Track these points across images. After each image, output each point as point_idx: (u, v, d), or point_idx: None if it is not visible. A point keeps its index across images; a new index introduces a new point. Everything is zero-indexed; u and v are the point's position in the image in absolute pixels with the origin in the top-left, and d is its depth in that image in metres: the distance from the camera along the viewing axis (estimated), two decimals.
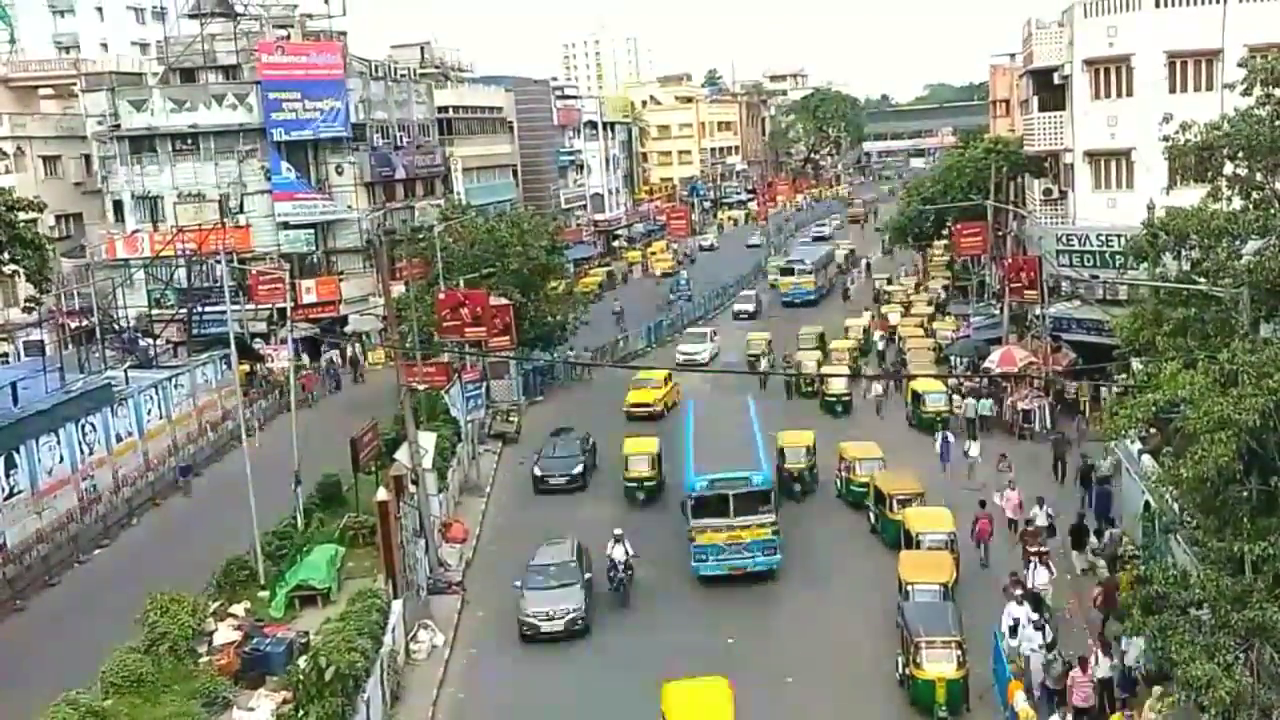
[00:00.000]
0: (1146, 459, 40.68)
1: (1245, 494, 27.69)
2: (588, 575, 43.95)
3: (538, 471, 59.02)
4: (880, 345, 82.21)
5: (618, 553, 44.38)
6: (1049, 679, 34.52)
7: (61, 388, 56.47)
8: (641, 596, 44.23)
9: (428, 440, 50.55)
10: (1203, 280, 39.39)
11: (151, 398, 61.78)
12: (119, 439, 57.38)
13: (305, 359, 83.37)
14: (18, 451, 48.90)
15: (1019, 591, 38.13)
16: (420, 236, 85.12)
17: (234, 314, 57.82)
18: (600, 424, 66.30)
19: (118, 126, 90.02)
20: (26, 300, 62.22)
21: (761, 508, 44.90)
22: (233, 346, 51.95)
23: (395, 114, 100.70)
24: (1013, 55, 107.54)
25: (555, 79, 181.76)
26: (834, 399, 68.97)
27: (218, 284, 73.60)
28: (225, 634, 40.05)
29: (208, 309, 79.45)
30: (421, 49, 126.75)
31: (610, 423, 66.36)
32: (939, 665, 34.03)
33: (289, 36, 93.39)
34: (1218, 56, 61.19)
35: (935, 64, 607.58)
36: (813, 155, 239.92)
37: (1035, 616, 36.22)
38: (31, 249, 52.75)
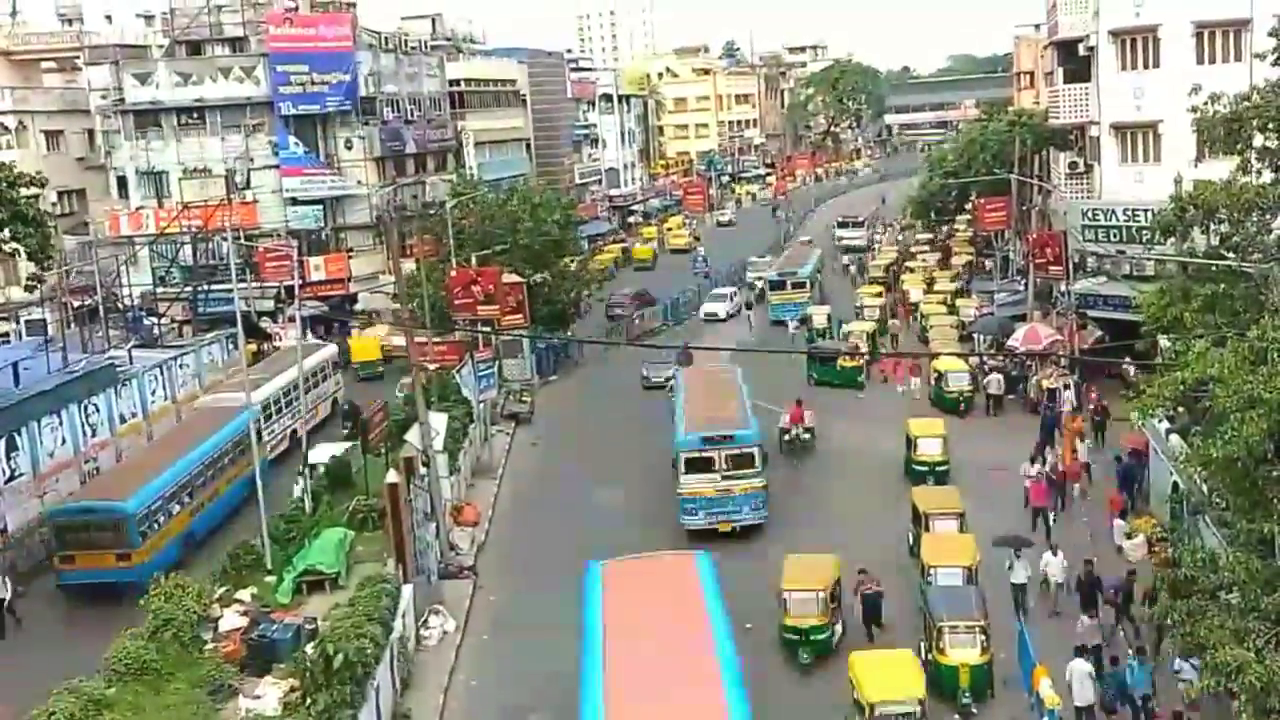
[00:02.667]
0: (1175, 439, 39.99)
1: (1276, 474, 27.03)
2: None
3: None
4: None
5: None
6: None
7: (64, 368, 55.84)
8: None
9: (439, 421, 50.18)
10: (1231, 255, 39.08)
11: (156, 378, 61.10)
12: (122, 420, 56.70)
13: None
14: (19, 433, 48.27)
15: None
16: (431, 212, 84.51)
17: (240, 292, 56.91)
18: (615, 407, 65.90)
19: (122, 100, 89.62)
20: (28, 279, 61.56)
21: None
22: (239, 325, 51.16)
23: (406, 87, 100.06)
24: (1037, 26, 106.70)
25: (569, 51, 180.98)
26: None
27: (224, 261, 73.19)
28: (231, 620, 39.79)
29: (213, 287, 79.40)
30: (433, 21, 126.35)
31: (622, 403, 65.74)
32: (963, 650, 33.36)
33: (297, 8, 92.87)
34: (1246, 26, 60.17)
35: (958, 35, 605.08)
36: (833, 129, 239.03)
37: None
38: (33, 226, 52.06)
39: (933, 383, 63.73)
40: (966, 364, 63.34)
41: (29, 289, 65.92)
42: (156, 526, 45.89)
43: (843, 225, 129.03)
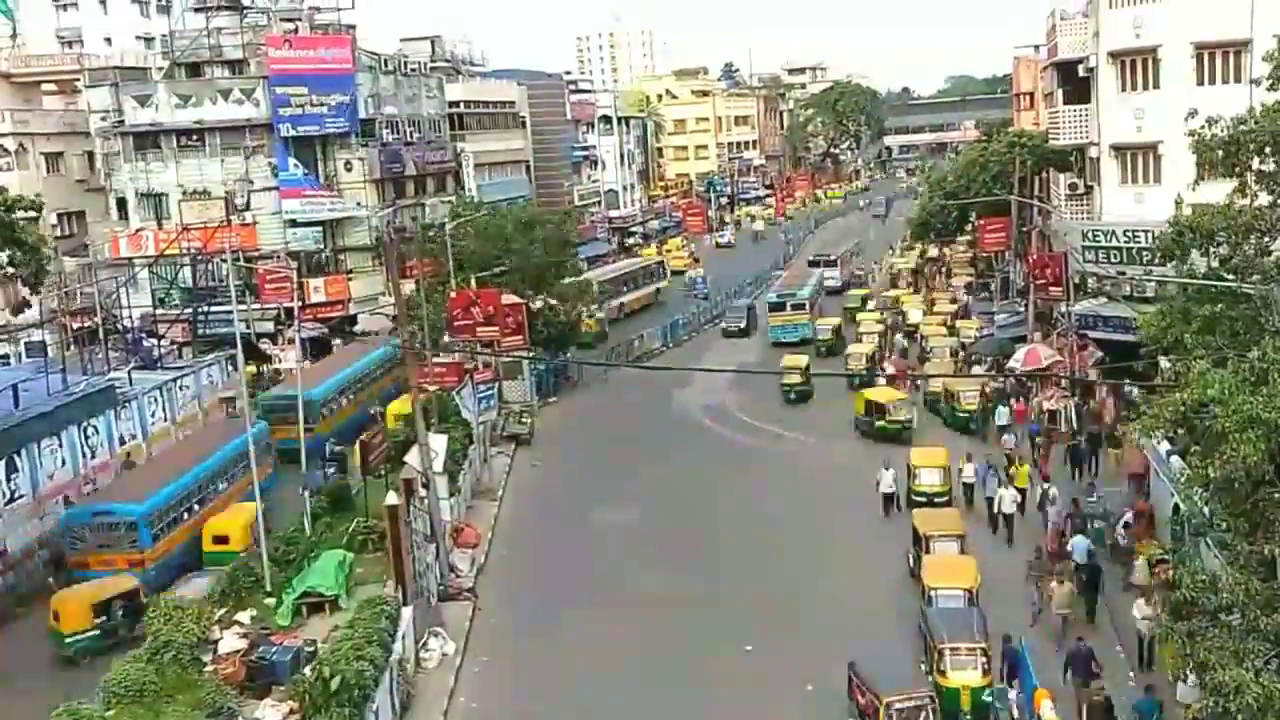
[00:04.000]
0: (1175, 460, 39.95)
1: (1276, 495, 26.88)
2: None
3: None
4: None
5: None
6: None
7: (64, 389, 55.62)
8: (657, 605, 43.29)
9: (438, 443, 49.98)
10: (1231, 277, 38.89)
11: (156, 399, 61.05)
12: (122, 441, 56.67)
13: None
14: (19, 455, 48.20)
15: None
16: (431, 234, 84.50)
17: (240, 314, 57.00)
18: (615, 428, 65.95)
19: (121, 122, 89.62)
20: (18, 301, 61.51)
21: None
22: (239, 347, 51.18)
23: (405, 109, 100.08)
24: (1037, 47, 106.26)
25: (569, 73, 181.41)
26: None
27: (223, 283, 73.11)
28: (231, 642, 39.44)
29: (213, 309, 79.14)
30: (432, 42, 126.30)
31: (622, 425, 65.75)
32: (964, 672, 33.34)
33: (296, 30, 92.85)
34: (1246, 48, 59.99)
35: (957, 56, 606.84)
36: (832, 150, 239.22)
37: None
38: (29, 252, 51.98)
39: (944, 401, 63.66)
40: (978, 383, 63.34)
41: (17, 312, 65.83)
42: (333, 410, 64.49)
43: (814, 264, 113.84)
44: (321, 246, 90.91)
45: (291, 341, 74.09)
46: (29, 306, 64.59)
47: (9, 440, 47.97)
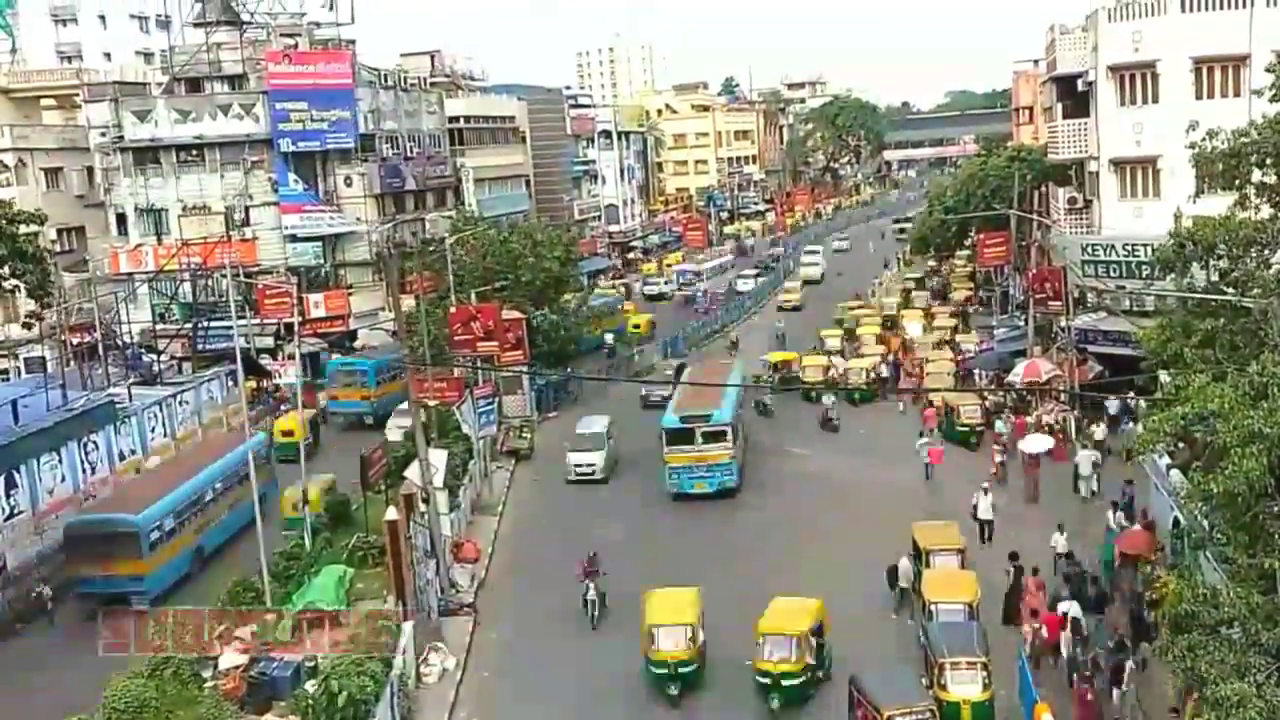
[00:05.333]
0: (1175, 474, 39.90)
1: (1276, 509, 26.87)
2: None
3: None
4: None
5: None
6: None
7: (63, 405, 55.64)
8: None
9: (439, 458, 49.95)
10: (1231, 290, 38.93)
11: (155, 415, 61.07)
12: (122, 457, 56.66)
13: None
14: (18, 470, 48.17)
15: None
16: (431, 249, 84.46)
17: (240, 329, 56.99)
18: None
19: (121, 137, 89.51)
20: (26, 316, 61.34)
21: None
22: (239, 362, 51.12)
23: (405, 124, 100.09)
24: (1036, 62, 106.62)
25: (569, 87, 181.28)
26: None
27: (223, 298, 73.10)
28: (231, 658, 39.30)
29: (213, 324, 79.12)
30: (432, 58, 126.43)
31: (621, 440, 65.60)
32: (964, 687, 33.15)
33: (296, 45, 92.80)
34: (1245, 62, 60.17)
35: (957, 71, 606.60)
36: (832, 164, 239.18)
37: None
38: (32, 263, 52.00)
39: (943, 415, 63.52)
40: (980, 398, 63.31)
41: (26, 326, 65.67)
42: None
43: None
44: (321, 262, 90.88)
45: (291, 357, 74.07)
46: (40, 319, 64.50)
47: (8, 456, 47.92)
